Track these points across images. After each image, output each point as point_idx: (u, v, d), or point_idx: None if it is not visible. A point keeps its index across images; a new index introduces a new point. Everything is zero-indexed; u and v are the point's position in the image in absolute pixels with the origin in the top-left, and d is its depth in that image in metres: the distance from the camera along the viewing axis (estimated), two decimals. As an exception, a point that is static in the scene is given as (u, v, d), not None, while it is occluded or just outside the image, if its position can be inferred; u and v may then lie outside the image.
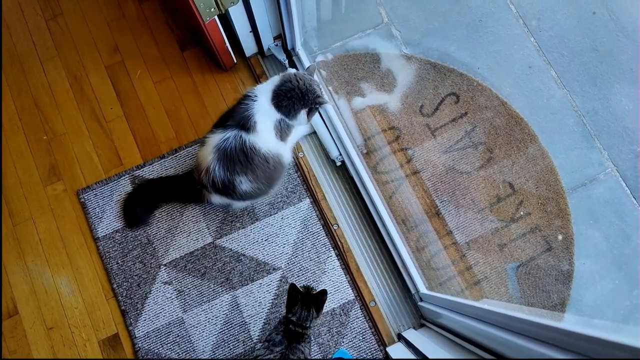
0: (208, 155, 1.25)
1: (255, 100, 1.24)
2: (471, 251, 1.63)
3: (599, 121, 1.76)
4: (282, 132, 1.30)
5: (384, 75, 1.77)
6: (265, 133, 1.26)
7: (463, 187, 1.68)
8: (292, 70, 1.32)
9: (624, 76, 1.79)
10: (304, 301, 1.26)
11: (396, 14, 1.84)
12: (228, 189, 1.29)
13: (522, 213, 1.67)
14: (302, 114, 1.28)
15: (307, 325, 1.24)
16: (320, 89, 1.30)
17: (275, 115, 1.26)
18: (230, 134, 1.23)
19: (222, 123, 1.27)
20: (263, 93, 1.26)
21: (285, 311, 1.28)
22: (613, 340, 0.59)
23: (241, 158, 1.24)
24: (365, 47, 1.81)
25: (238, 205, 1.50)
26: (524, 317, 0.82)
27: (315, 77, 1.33)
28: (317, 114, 1.56)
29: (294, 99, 1.24)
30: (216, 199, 1.39)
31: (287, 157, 1.37)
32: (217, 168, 1.25)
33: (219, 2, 1.31)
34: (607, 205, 1.67)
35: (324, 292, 1.26)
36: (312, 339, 1.44)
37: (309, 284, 1.47)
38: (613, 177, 1.69)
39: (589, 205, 1.68)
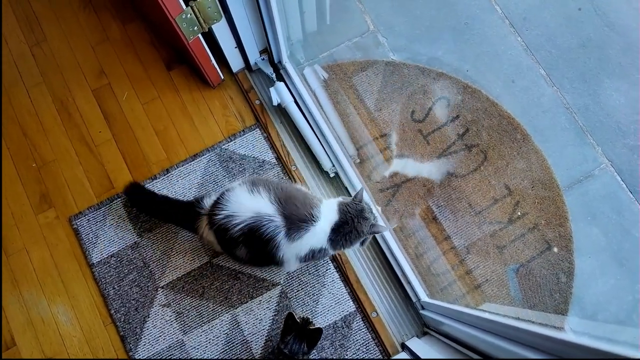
0: (245, 210, 1.14)
1: (315, 223, 1.16)
2: (470, 255, 1.62)
3: (590, 117, 1.76)
4: (311, 258, 1.24)
5: (373, 83, 1.77)
6: (295, 250, 1.18)
7: (459, 191, 1.67)
8: (341, 199, 1.24)
9: (613, 71, 1.79)
10: (297, 333, 1.25)
11: (382, 21, 1.84)
12: (224, 242, 1.21)
13: (519, 213, 1.66)
14: (357, 244, 1.25)
15: (299, 359, 1.23)
16: (373, 215, 1.24)
17: (321, 243, 1.19)
18: (277, 220, 1.12)
19: (286, 200, 1.16)
20: (325, 220, 1.18)
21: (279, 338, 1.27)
22: (616, 353, 0.58)
23: (260, 243, 1.15)
24: (352, 56, 1.80)
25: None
26: (522, 326, 0.81)
27: (365, 198, 1.27)
28: (309, 129, 1.55)
29: (352, 240, 1.20)
30: (209, 236, 1.26)
31: (291, 268, 1.37)
32: (237, 227, 1.14)
33: (202, 21, 1.30)
34: (604, 200, 1.67)
35: (319, 331, 1.25)
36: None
37: (311, 314, 1.46)
38: (608, 172, 1.69)
39: (585, 202, 1.67)
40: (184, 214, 1.37)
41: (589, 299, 1.58)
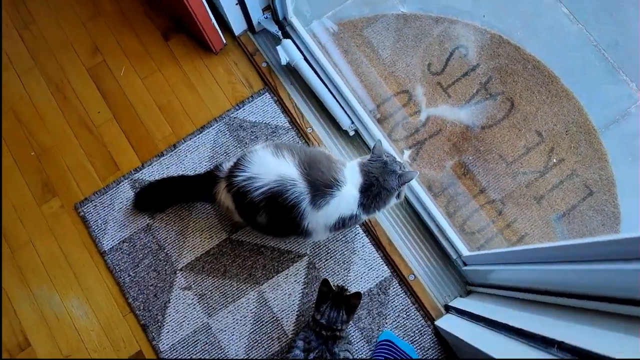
0: (268, 173, 1.04)
1: (341, 188, 1.06)
2: (507, 207, 1.50)
3: (620, 53, 1.64)
4: (342, 227, 1.12)
5: (384, 38, 1.65)
6: (322, 219, 1.08)
7: (487, 142, 1.56)
8: (360, 159, 1.14)
9: (640, 0, 1.67)
10: (334, 301, 1.15)
11: (387, -29, 1.73)
12: (243, 207, 1.11)
13: (554, 160, 1.54)
14: (393, 200, 1.14)
15: (338, 328, 1.13)
16: (399, 164, 1.13)
17: (351, 210, 1.09)
18: (301, 185, 1.02)
19: (310, 165, 1.06)
20: (351, 184, 1.08)
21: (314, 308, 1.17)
22: None
23: (284, 209, 1.04)
24: (359, 12, 1.69)
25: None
26: (603, 238, 0.69)
27: (385, 148, 1.15)
28: (323, 86, 1.44)
29: (385, 199, 1.11)
30: (227, 200, 1.14)
31: (319, 237, 1.20)
32: (259, 190, 1.04)
33: (199, -29, 1.20)
34: (645, 139, 1.55)
35: (357, 296, 1.14)
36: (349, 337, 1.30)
37: (343, 283, 1.35)
38: (646, 108, 1.57)
39: (624, 142, 1.56)
40: (199, 185, 1.26)
41: None
